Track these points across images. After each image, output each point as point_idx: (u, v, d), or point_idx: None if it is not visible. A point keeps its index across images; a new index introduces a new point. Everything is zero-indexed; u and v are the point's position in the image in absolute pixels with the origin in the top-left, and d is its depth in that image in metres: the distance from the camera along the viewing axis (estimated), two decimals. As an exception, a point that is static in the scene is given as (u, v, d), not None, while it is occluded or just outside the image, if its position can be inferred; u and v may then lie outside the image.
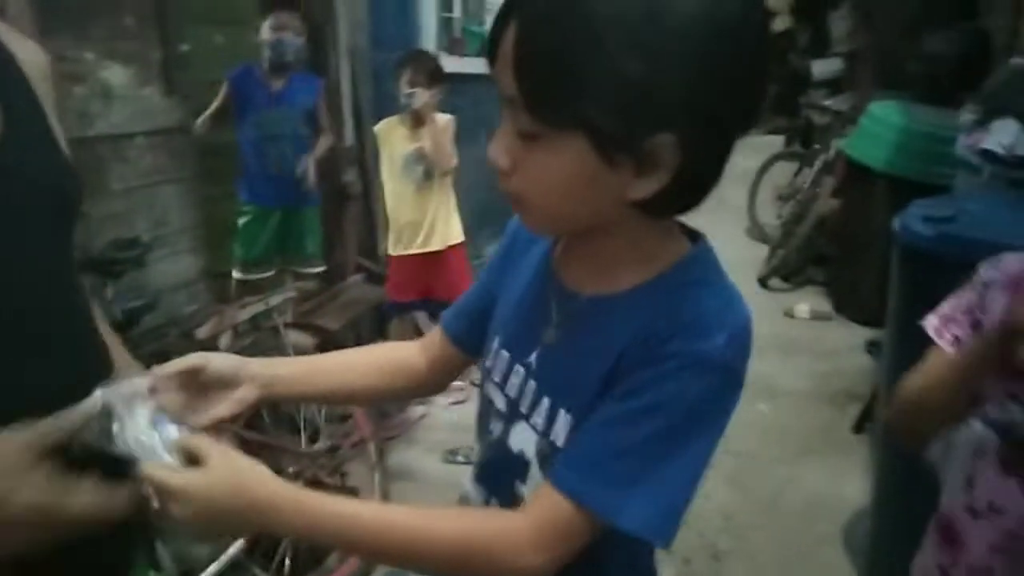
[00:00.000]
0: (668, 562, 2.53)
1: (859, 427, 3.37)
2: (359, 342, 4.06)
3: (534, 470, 0.83)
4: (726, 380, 0.74)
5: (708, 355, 0.71)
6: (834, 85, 7.51)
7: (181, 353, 2.26)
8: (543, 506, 0.74)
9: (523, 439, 0.84)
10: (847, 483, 2.94)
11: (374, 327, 4.27)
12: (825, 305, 4.94)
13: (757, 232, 6.54)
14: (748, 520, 2.78)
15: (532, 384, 0.84)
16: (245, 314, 2.40)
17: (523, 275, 0.93)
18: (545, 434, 0.81)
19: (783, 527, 2.74)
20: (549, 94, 0.66)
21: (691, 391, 0.71)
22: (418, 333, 4.07)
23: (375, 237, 4.15)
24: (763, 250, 5.79)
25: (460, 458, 3.12)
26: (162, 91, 2.74)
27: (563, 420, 0.79)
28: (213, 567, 1.98)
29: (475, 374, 1.02)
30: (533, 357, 0.85)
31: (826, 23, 8.74)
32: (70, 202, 0.80)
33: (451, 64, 3.70)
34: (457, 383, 3.73)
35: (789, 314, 4.83)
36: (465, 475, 0.99)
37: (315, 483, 2.45)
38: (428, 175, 3.46)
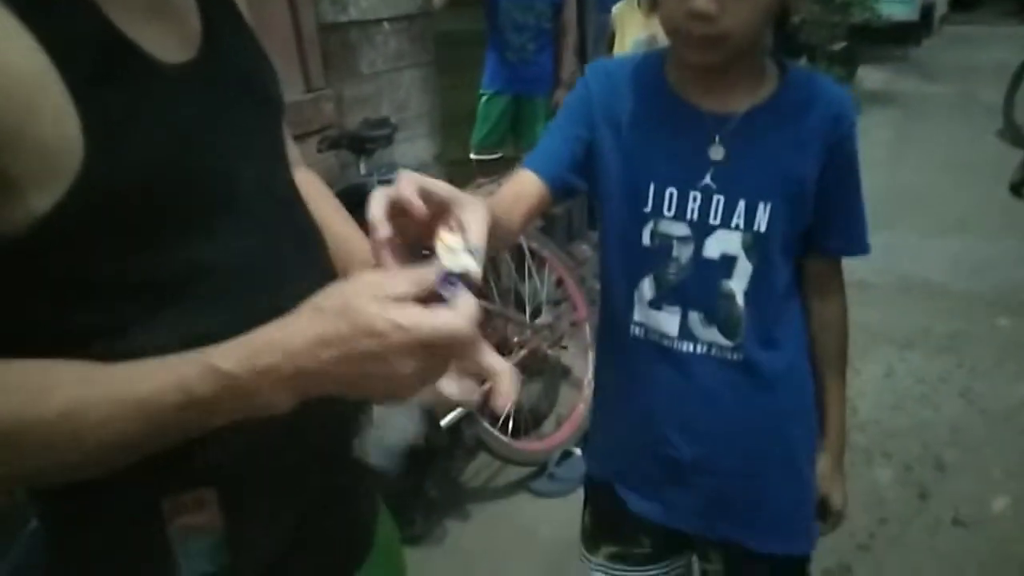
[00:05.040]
0: (887, 466, 2.48)
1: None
2: (571, 227, 4.17)
3: (741, 261, 1.02)
4: None
5: (855, 121, 1.04)
6: None
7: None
8: (832, 271, 1.11)
9: (724, 243, 1.01)
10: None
11: (583, 215, 4.35)
12: (1090, 217, 4.35)
13: (1012, 134, 5.80)
14: (978, 435, 2.62)
15: (718, 197, 1.00)
16: (480, 194, 2.55)
17: (637, 123, 1.04)
18: (748, 228, 1.00)
19: (1018, 445, 2.56)
20: None
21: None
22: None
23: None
24: (1017, 155, 5.13)
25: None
26: (406, -23, 2.87)
27: (762, 210, 0.99)
28: (451, 415, 2.21)
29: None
30: (708, 178, 1.00)
31: None
32: (275, 95, 0.79)
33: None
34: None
35: (1046, 225, 4.31)
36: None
37: (536, 354, 2.63)
38: (655, 65, 3.39)
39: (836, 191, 1.03)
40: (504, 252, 2.69)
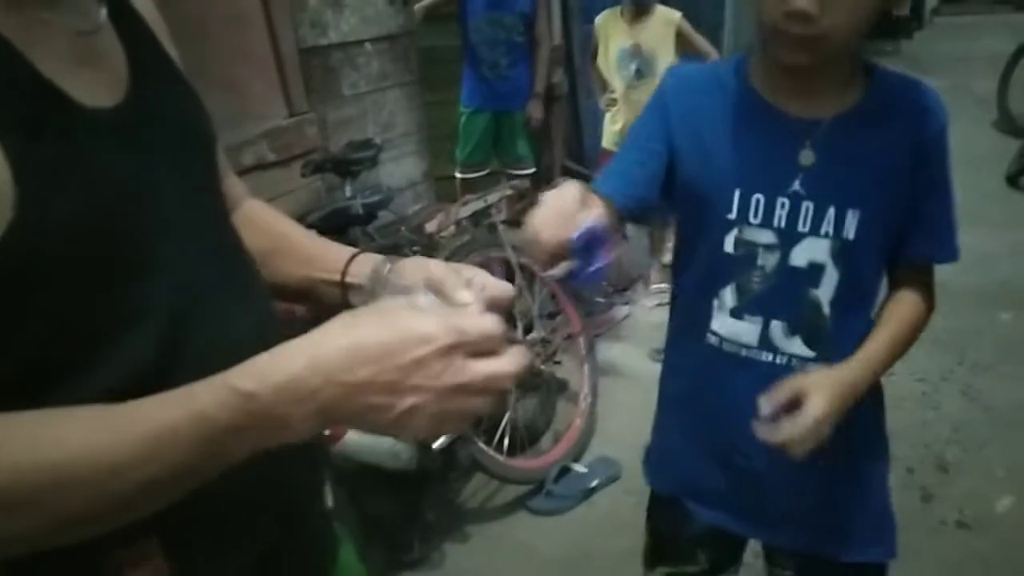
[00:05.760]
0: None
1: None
2: (565, 242, 4.17)
3: (829, 269, 1.00)
4: None
5: (946, 122, 1.01)
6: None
7: (414, 246, 2.43)
8: (922, 282, 1.08)
9: (812, 250, 1.00)
10: (1104, 402, 2.64)
11: (579, 228, 4.35)
12: (1088, 207, 4.32)
13: (1007, 124, 5.78)
14: (981, 433, 2.59)
15: (807, 204, 0.98)
16: (466, 211, 2.54)
17: (721, 129, 1.01)
18: (837, 236, 0.98)
19: (1022, 443, 2.52)
20: None
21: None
22: (624, 237, 4.08)
23: (581, 139, 4.17)
24: (1013, 145, 5.11)
25: (666, 357, 3.15)
26: (385, -2, 2.87)
27: (851, 217, 0.98)
28: (444, 437, 2.19)
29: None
30: (797, 184, 0.98)
31: None
32: (207, 135, 0.78)
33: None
34: (660, 285, 3.72)
35: (1042, 216, 4.27)
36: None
37: (530, 369, 2.61)
38: (640, 74, 3.38)
39: (926, 195, 1.01)
40: (496, 268, 2.68)
